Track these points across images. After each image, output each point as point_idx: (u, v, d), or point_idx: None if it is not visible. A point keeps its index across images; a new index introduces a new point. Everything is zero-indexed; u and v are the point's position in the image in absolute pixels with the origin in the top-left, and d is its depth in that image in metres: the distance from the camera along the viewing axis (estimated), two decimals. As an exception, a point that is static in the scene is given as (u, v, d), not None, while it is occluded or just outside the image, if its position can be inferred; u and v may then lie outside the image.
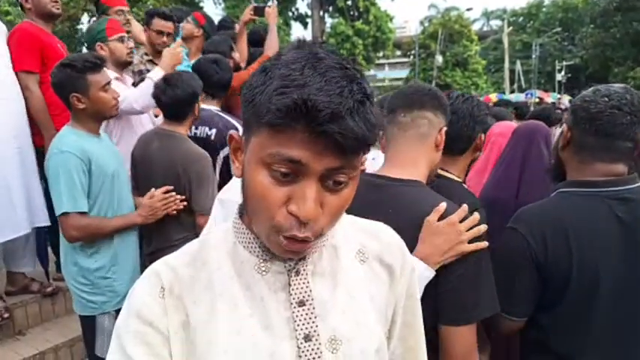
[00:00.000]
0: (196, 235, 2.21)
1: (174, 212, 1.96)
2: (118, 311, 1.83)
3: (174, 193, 1.96)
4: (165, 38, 2.93)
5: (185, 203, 1.98)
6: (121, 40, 2.51)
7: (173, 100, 2.03)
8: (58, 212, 1.76)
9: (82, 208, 1.76)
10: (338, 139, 0.51)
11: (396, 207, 1.06)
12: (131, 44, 2.60)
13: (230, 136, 0.64)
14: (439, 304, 1.00)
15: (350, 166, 0.56)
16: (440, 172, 1.39)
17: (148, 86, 2.28)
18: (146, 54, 2.99)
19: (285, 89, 0.52)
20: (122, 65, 2.55)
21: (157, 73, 2.41)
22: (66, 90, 1.77)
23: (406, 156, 1.15)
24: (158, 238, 2.08)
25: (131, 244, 1.97)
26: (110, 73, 2.44)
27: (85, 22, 14.14)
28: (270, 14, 3.06)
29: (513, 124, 2.76)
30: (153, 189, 1.96)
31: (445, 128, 1.19)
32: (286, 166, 0.54)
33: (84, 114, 1.82)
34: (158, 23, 2.92)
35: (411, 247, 0.97)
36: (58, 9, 2.66)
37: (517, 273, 1.20)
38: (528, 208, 1.28)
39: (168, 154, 2.02)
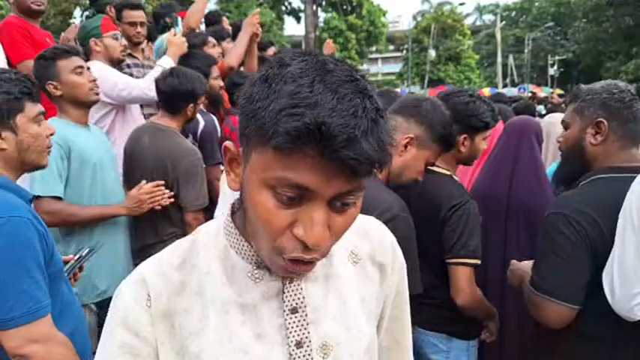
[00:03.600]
0: (185, 232, 2.18)
1: (160, 207, 1.93)
2: (97, 304, 1.82)
3: (163, 188, 1.94)
4: (139, 28, 2.86)
5: (172, 200, 1.95)
6: (115, 37, 2.51)
7: (170, 89, 2.03)
8: (30, 195, 1.76)
9: (56, 192, 1.72)
10: (352, 164, 0.48)
11: None
12: (124, 42, 2.59)
13: (224, 147, 0.61)
14: None
15: (360, 188, 0.54)
16: (429, 167, 1.44)
17: (157, 72, 2.38)
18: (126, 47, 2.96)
19: (294, 109, 0.48)
20: (115, 62, 2.54)
21: (166, 61, 2.50)
22: (42, 81, 1.77)
23: None
24: (147, 233, 2.06)
25: (116, 240, 1.92)
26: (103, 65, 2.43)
27: (77, 17, 13.98)
28: (246, 23, 2.82)
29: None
30: (143, 181, 1.93)
31: (412, 135, 1.22)
32: (292, 191, 0.51)
33: (63, 101, 1.83)
34: (128, 15, 2.84)
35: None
36: (38, 5, 2.63)
37: (572, 256, 1.19)
38: (569, 194, 1.28)
39: (157, 149, 2.00)
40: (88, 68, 1.88)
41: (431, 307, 1.47)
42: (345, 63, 0.54)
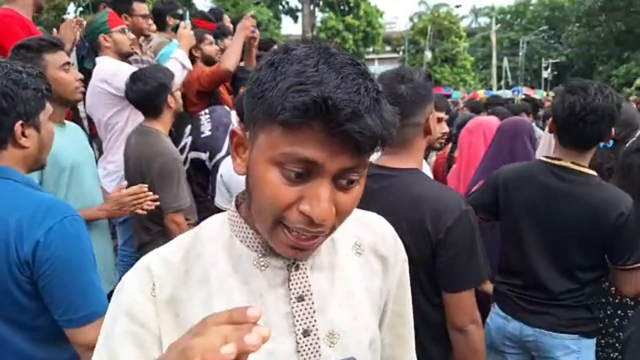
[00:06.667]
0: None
1: (143, 211, 1.80)
2: None
3: (147, 191, 1.80)
4: (150, 20, 2.86)
5: (157, 203, 1.83)
6: (123, 31, 2.49)
7: (140, 95, 2.00)
8: None
9: None
10: (357, 138, 0.50)
11: (398, 194, 1.18)
12: (132, 35, 2.59)
13: (232, 131, 0.62)
14: (439, 275, 1.18)
15: (363, 164, 0.55)
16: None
17: (174, 65, 2.43)
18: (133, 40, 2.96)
19: (301, 86, 0.50)
20: (124, 56, 2.52)
21: (179, 54, 2.56)
22: None
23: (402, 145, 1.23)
24: (140, 232, 2.07)
25: (97, 243, 1.74)
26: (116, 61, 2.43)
27: (71, 12, 13.84)
28: (240, 26, 2.81)
29: (484, 118, 2.82)
30: (124, 182, 1.90)
31: (433, 114, 1.26)
32: (300, 166, 0.52)
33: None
34: (140, 7, 2.81)
35: (410, 230, 1.14)
36: None
37: None
38: None
39: (138, 150, 1.99)
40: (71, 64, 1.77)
41: (564, 309, 1.49)
42: (346, 49, 0.57)
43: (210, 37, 2.97)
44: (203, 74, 2.67)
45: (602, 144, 1.87)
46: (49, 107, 1.17)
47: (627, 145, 1.68)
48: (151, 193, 1.80)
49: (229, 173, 2.02)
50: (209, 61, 2.85)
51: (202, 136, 2.44)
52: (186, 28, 2.71)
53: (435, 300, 1.19)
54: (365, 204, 1.19)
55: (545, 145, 2.72)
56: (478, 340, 1.19)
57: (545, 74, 31.61)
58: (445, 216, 1.13)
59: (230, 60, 2.62)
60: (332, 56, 0.53)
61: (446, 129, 1.90)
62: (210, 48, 2.92)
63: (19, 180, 1.08)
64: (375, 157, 1.25)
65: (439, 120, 1.87)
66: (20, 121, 1.08)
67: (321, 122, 0.50)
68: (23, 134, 1.09)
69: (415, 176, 1.22)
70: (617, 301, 1.59)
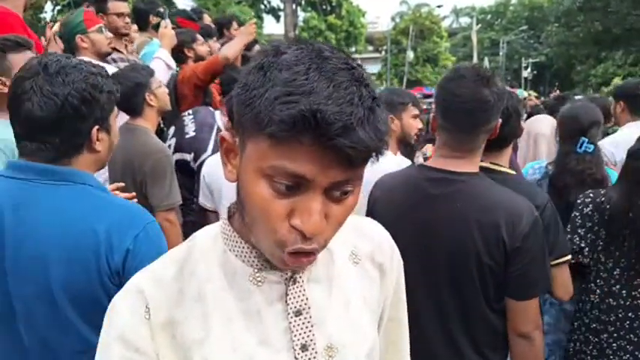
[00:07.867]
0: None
1: None
2: None
3: (120, 193, 1.69)
4: (127, 19, 2.81)
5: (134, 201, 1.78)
6: (100, 30, 2.43)
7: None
8: None
9: None
10: (349, 152, 0.48)
11: (467, 201, 1.16)
12: (109, 34, 2.53)
13: (221, 137, 0.59)
14: (509, 283, 1.16)
15: (357, 176, 0.53)
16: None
17: (158, 65, 2.46)
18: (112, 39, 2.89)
19: (289, 97, 0.47)
20: (103, 56, 2.46)
21: (162, 53, 2.58)
22: None
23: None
24: None
25: None
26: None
27: (48, 11, 13.52)
28: (244, 30, 2.86)
29: None
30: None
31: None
32: (289, 179, 0.50)
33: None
34: (115, 5, 2.78)
35: (483, 237, 1.12)
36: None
37: None
38: None
39: (125, 149, 1.92)
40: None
41: None
42: (341, 51, 0.53)
43: (201, 38, 2.98)
44: (199, 67, 2.65)
45: (582, 149, 1.87)
46: (116, 109, 1.16)
47: (635, 148, 1.61)
48: (126, 193, 1.66)
49: (212, 174, 1.98)
50: (201, 60, 2.82)
51: (187, 137, 2.39)
52: (167, 27, 2.69)
53: (496, 306, 1.18)
54: (420, 211, 1.18)
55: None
56: (541, 347, 1.19)
57: (525, 74, 32.25)
58: (522, 224, 1.13)
59: (230, 50, 2.60)
60: (324, 61, 0.50)
61: (420, 125, 2.11)
62: (202, 48, 2.93)
63: (94, 185, 1.07)
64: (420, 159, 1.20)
65: (415, 117, 2.08)
66: (97, 126, 1.07)
67: (311, 136, 0.47)
68: (97, 138, 1.09)
69: (484, 181, 1.21)
70: (627, 303, 1.58)
